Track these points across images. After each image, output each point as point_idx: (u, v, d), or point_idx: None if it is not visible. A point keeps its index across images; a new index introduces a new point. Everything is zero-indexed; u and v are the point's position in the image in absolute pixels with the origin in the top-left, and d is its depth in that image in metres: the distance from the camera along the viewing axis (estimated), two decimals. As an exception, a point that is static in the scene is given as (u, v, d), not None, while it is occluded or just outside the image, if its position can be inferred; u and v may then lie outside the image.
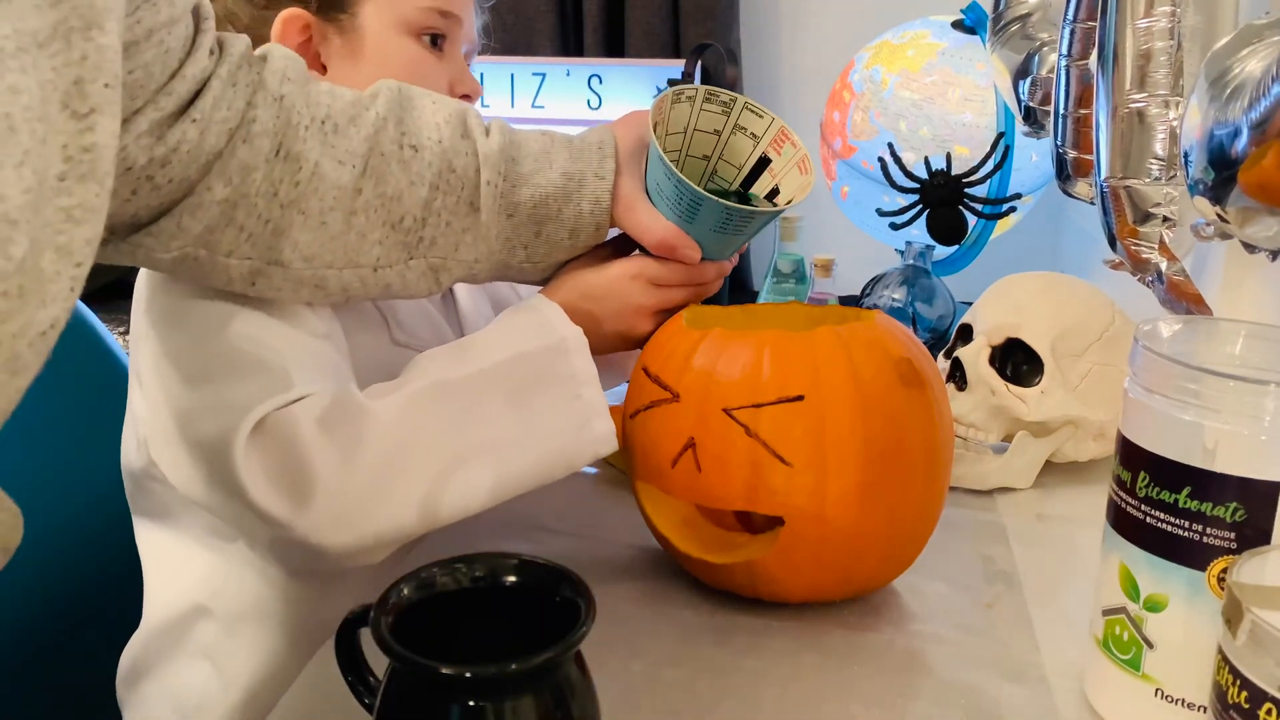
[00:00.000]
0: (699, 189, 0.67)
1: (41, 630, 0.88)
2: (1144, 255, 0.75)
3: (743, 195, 0.76)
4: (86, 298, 0.97)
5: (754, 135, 0.74)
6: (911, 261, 1.29)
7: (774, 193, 0.74)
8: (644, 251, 0.73)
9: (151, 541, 0.78)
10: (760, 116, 0.73)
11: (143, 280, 0.72)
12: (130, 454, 0.76)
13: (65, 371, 0.93)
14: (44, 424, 0.91)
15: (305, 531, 0.60)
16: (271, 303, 0.68)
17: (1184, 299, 0.74)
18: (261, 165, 0.59)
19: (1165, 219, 0.73)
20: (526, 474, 0.66)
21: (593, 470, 0.92)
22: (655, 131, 0.68)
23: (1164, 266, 0.74)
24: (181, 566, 0.76)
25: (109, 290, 1.42)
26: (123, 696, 0.80)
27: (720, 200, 0.67)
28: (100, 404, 0.92)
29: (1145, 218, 0.74)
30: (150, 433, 0.68)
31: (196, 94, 0.57)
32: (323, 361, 0.68)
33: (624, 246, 0.74)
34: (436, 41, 0.83)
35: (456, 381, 0.65)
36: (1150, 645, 0.52)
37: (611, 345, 0.73)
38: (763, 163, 0.74)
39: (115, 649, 0.80)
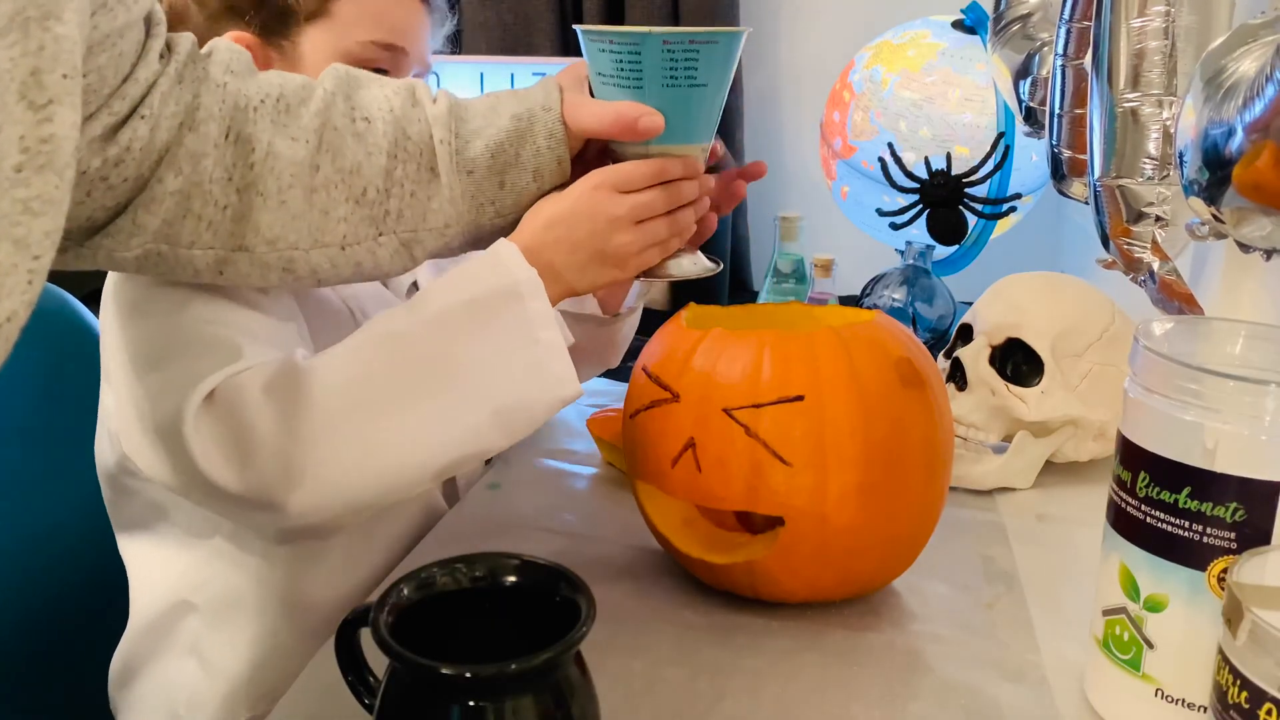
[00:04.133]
0: (631, 29, 0.64)
1: (34, 636, 0.87)
2: (1136, 254, 0.75)
3: None
4: (84, 299, 0.97)
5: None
6: (911, 261, 1.30)
7: None
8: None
9: (131, 547, 0.79)
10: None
11: (109, 279, 0.72)
12: (104, 452, 0.76)
13: (63, 373, 0.93)
14: (44, 425, 0.91)
15: (256, 494, 0.60)
16: (234, 290, 0.68)
17: (1176, 298, 0.74)
18: (211, 151, 0.59)
19: (1158, 218, 0.73)
20: (484, 424, 0.64)
21: (593, 470, 0.92)
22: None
23: (1156, 266, 0.74)
24: (162, 566, 0.76)
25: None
26: (115, 699, 0.80)
27: (654, 30, 0.64)
28: (97, 406, 0.92)
29: (1138, 217, 0.74)
30: (119, 425, 0.69)
31: (145, 95, 0.57)
32: (280, 338, 0.68)
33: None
34: (379, 73, 0.82)
35: (403, 331, 0.64)
36: (1150, 645, 0.52)
37: (599, 271, 0.69)
38: None
39: (107, 653, 0.80)
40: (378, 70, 0.81)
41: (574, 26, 0.66)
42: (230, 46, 0.63)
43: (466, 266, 0.67)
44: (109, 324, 0.70)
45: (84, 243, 0.59)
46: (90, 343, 0.96)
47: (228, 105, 0.60)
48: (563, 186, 0.69)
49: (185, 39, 0.60)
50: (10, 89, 0.39)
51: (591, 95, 0.68)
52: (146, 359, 0.66)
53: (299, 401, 0.61)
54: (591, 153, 0.70)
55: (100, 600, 0.85)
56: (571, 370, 0.66)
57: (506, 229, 0.70)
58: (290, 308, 0.74)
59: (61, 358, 0.92)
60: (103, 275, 0.72)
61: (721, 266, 0.74)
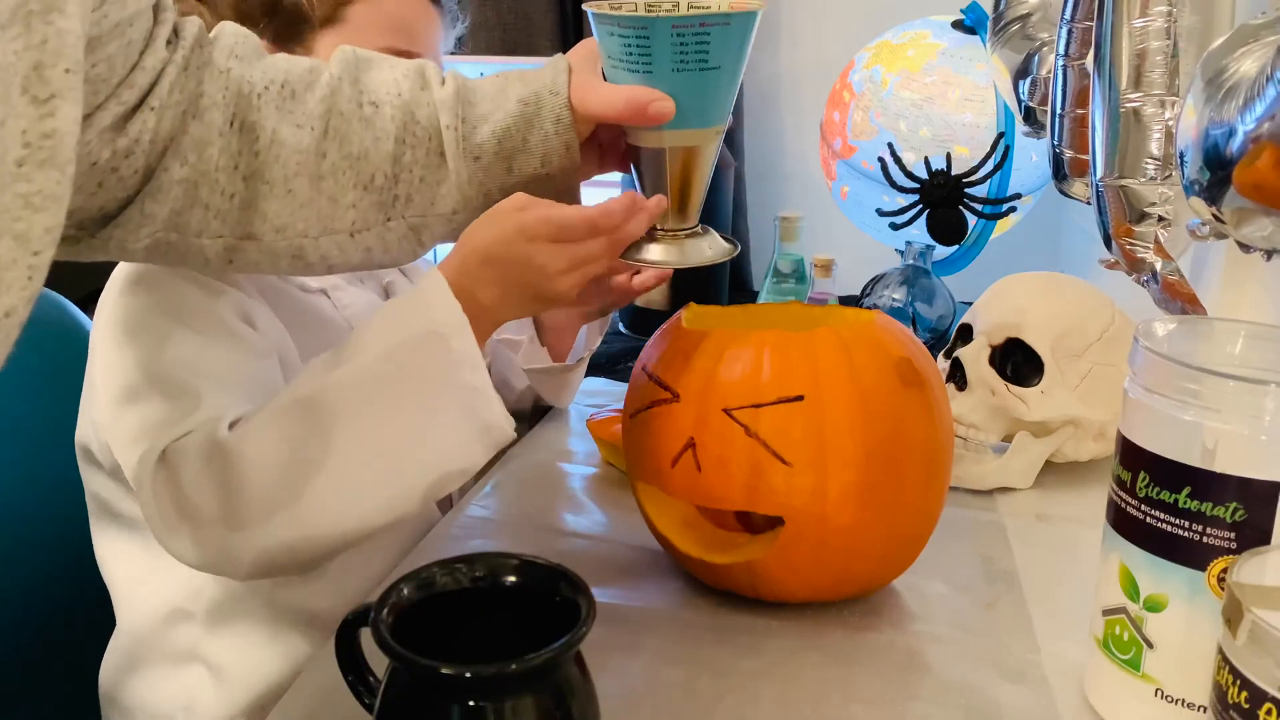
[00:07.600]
0: (639, 13, 0.62)
1: (24, 638, 0.87)
2: (1139, 255, 0.75)
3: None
4: (80, 301, 0.96)
5: None
6: (911, 261, 1.30)
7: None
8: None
9: (116, 548, 0.78)
10: None
11: (109, 287, 0.72)
12: (99, 450, 0.75)
13: (56, 377, 0.92)
14: (36, 428, 0.91)
15: (209, 565, 0.63)
16: (218, 322, 0.70)
17: (1179, 298, 0.74)
18: (216, 139, 0.59)
19: (1160, 219, 0.73)
20: (415, 480, 0.63)
21: (593, 470, 0.92)
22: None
23: (1159, 266, 0.74)
24: (152, 570, 0.75)
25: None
26: (106, 705, 0.79)
27: (663, 15, 0.61)
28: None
29: (1140, 217, 0.74)
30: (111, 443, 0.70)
31: (154, 84, 0.57)
32: (253, 381, 0.69)
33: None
34: None
35: (325, 390, 0.63)
36: (1150, 645, 0.52)
37: (536, 306, 0.67)
38: None
39: (97, 656, 0.80)
40: None
41: (584, 6, 0.63)
42: (237, 30, 0.62)
43: (393, 308, 0.66)
44: (100, 341, 0.70)
45: (96, 233, 0.59)
46: (84, 347, 0.95)
47: (231, 92, 0.60)
48: (572, 173, 0.67)
49: (192, 23, 0.60)
50: (13, 83, 0.39)
51: (603, 77, 0.65)
52: (123, 393, 0.67)
53: (232, 483, 0.61)
54: (605, 136, 0.69)
55: (89, 604, 0.84)
56: (501, 412, 0.65)
57: None
58: (276, 341, 0.74)
59: (55, 361, 0.92)
60: (99, 278, 0.71)
61: (738, 248, 0.70)
